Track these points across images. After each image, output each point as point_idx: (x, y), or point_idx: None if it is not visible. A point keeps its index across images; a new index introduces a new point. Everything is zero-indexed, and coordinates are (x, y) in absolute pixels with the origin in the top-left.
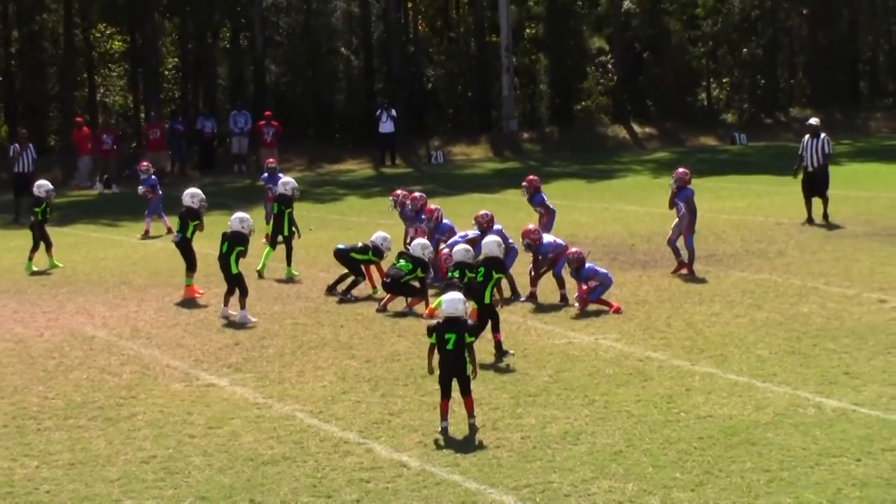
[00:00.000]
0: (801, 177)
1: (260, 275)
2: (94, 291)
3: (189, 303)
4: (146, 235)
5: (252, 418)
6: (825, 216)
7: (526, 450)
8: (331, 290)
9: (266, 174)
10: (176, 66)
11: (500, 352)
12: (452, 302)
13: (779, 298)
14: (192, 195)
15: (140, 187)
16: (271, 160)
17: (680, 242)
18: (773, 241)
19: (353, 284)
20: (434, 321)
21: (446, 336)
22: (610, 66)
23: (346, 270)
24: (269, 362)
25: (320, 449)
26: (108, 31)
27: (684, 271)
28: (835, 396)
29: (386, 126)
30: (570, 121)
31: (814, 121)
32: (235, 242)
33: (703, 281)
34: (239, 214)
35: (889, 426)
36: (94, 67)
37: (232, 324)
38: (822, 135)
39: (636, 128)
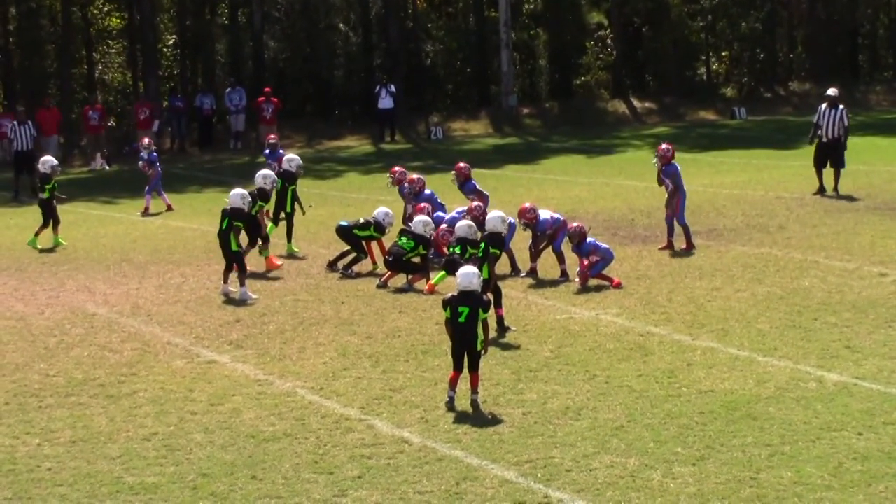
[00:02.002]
0: (815, 146)
1: (261, 251)
2: (94, 269)
3: (190, 280)
4: (146, 212)
5: (253, 395)
6: (835, 189)
7: (527, 425)
8: (331, 266)
9: (267, 150)
10: (174, 43)
11: (502, 327)
12: (467, 276)
13: (780, 273)
14: (263, 176)
15: (140, 161)
16: (272, 136)
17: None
18: (774, 215)
19: (355, 261)
20: (449, 294)
21: (460, 309)
22: (609, 40)
23: (347, 247)
24: (270, 339)
25: (321, 425)
26: (105, 8)
27: (684, 247)
28: (836, 370)
29: (385, 102)
30: (569, 96)
31: (832, 91)
32: (235, 218)
33: (703, 255)
34: (238, 191)
35: (890, 400)
36: (92, 44)
37: (232, 301)
38: (841, 106)
39: (635, 102)
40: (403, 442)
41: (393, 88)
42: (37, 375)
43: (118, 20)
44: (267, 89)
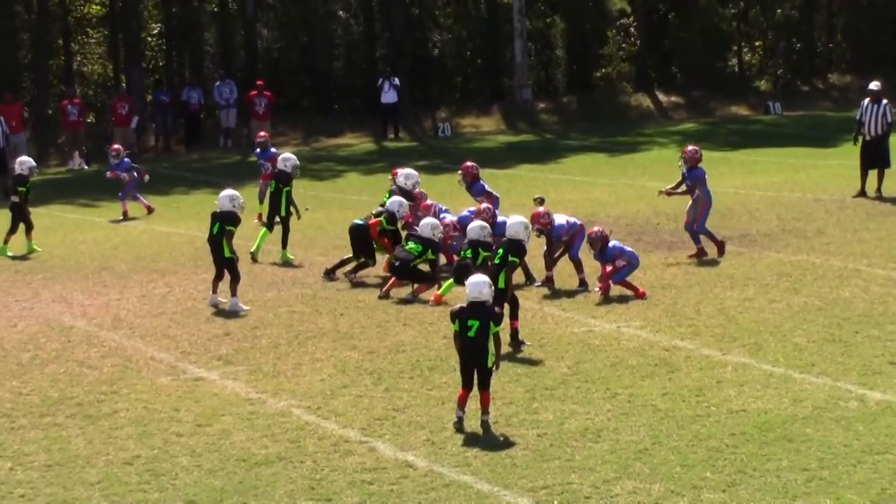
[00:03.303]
0: (859, 145)
1: (254, 258)
2: (72, 278)
3: (176, 290)
4: (125, 217)
5: (244, 415)
6: (878, 190)
7: (543, 448)
8: (329, 274)
9: (258, 149)
10: (159, 32)
11: (516, 341)
12: (477, 285)
13: (818, 281)
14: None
15: (108, 173)
16: (262, 133)
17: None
18: (812, 219)
19: (361, 267)
20: (458, 306)
21: (469, 322)
22: (632, 29)
23: (347, 255)
24: (263, 354)
25: (319, 448)
26: None
27: (708, 254)
28: (879, 388)
29: (388, 96)
30: (588, 89)
31: (875, 85)
32: (227, 222)
33: (735, 263)
34: (228, 192)
35: None
36: (70, 33)
37: (222, 312)
38: (884, 101)
39: (661, 96)
40: (408, 466)
41: (397, 81)
42: (9, 394)
43: (98, 7)
44: (259, 82)
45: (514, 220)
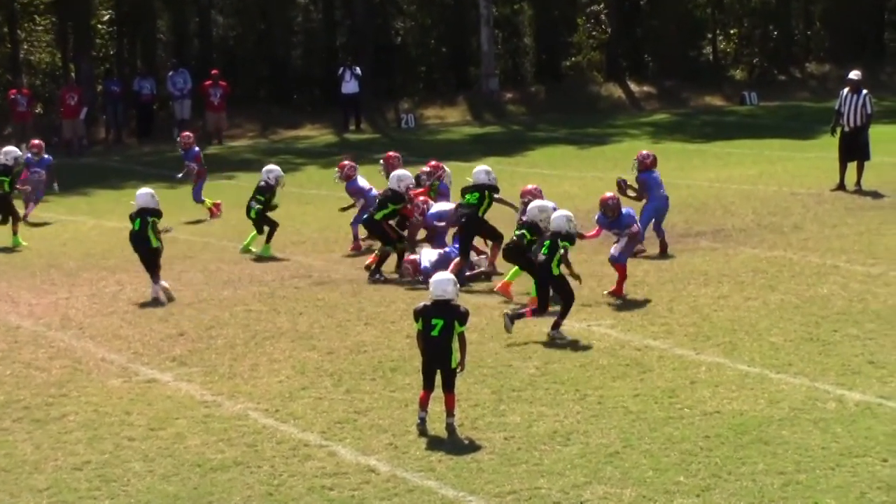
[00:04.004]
0: (838, 137)
1: (246, 250)
2: (18, 276)
3: (127, 289)
4: (25, 219)
5: (199, 418)
6: (858, 183)
7: (510, 452)
8: (373, 275)
9: (181, 150)
10: (110, 20)
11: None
12: (441, 283)
13: (795, 278)
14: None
15: (34, 172)
16: (186, 133)
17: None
18: (789, 213)
19: (381, 260)
20: (421, 304)
21: (433, 321)
22: (603, 16)
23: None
24: (219, 355)
25: (277, 452)
26: None
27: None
28: (858, 389)
29: (349, 86)
30: (557, 79)
31: (854, 74)
32: (149, 214)
33: (709, 259)
34: (147, 190)
35: None
36: (16, 20)
37: (176, 312)
38: (864, 91)
39: (632, 86)
40: (370, 471)
41: (358, 70)
42: None
43: None
44: (214, 71)
45: (558, 215)
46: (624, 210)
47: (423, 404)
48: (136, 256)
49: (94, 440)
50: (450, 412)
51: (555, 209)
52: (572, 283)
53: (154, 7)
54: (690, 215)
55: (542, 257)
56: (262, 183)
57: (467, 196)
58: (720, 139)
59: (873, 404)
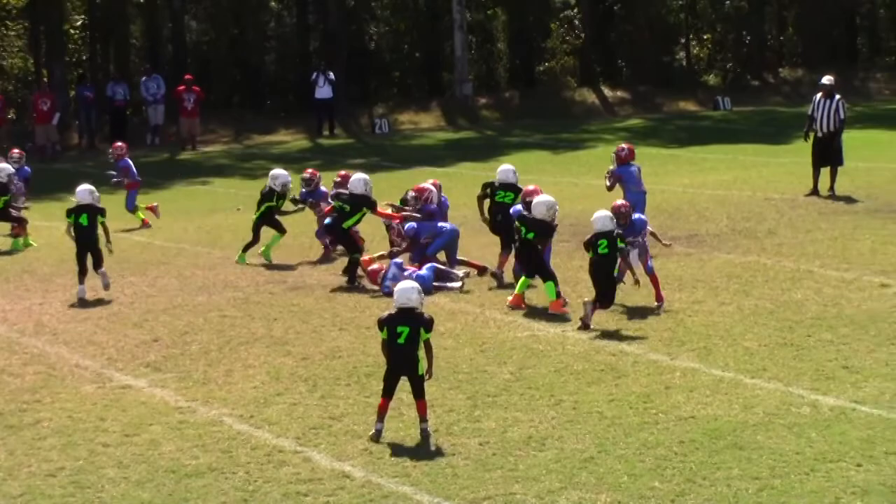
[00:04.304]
0: (811, 142)
1: (266, 258)
2: None
3: (101, 294)
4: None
5: (174, 424)
6: (831, 189)
7: (485, 457)
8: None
9: (112, 159)
10: (83, 24)
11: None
12: (405, 291)
13: (769, 283)
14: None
15: (14, 184)
16: (119, 144)
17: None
18: (763, 218)
19: (352, 267)
20: (385, 313)
21: (398, 329)
22: (576, 21)
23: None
24: (193, 360)
25: (251, 458)
26: None
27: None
28: (832, 393)
29: (323, 91)
30: (531, 84)
31: (827, 79)
32: (97, 212)
33: (683, 264)
34: (87, 186)
35: (892, 426)
36: None
37: (150, 318)
38: (837, 96)
39: (606, 92)
40: (344, 477)
41: (332, 76)
42: None
43: None
44: (188, 77)
45: (602, 216)
46: (635, 216)
47: (382, 414)
48: (109, 262)
49: (69, 446)
50: (423, 418)
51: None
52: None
53: (127, 12)
54: (664, 220)
55: (602, 254)
56: (266, 189)
57: (499, 193)
58: (694, 144)
59: (847, 409)
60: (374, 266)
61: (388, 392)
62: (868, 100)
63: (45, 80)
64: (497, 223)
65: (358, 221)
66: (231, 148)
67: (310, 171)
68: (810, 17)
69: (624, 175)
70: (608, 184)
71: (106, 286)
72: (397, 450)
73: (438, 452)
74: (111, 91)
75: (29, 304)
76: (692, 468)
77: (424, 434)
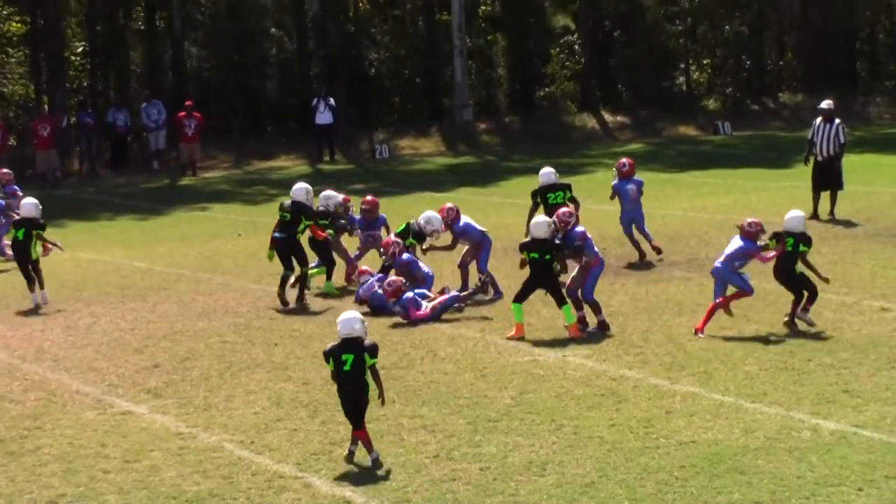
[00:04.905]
0: (811, 166)
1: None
2: None
3: (101, 320)
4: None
5: (174, 450)
6: (831, 213)
7: (486, 482)
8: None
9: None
10: (83, 51)
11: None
12: (349, 322)
13: (769, 308)
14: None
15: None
16: (4, 170)
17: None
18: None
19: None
20: (329, 345)
21: (343, 357)
22: (577, 47)
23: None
24: (194, 386)
25: (252, 484)
26: (4, 11)
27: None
28: (833, 418)
29: (323, 117)
30: (531, 109)
31: (826, 104)
32: (35, 227)
33: (684, 289)
34: (31, 200)
35: (893, 451)
36: None
37: (151, 344)
38: (837, 120)
39: (607, 116)
40: (345, 502)
41: (332, 101)
42: None
43: (19, 25)
44: (189, 103)
45: (795, 216)
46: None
47: (369, 444)
48: (110, 288)
49: (69, 473)
50: (368, 445)
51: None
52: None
53: (127, 39)
54: (665, 245)
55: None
56: (321, 208)
57: (550, 196)
58: (694, 169)
59: (848, 433)
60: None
61: (358, 424)
62: (868, 124)
63: (46, 107)
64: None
65: (303, 232)
66: (231, 173)
67: (342, 196)
68: (810, 42)
69: (620, 191)
70: (611, 194)
71: (36, 306)
72: (398, 475)
73: (439, 477)
74: (112, 117)
75: (30, 330)
76: (693, 493)
77: (350, 457)
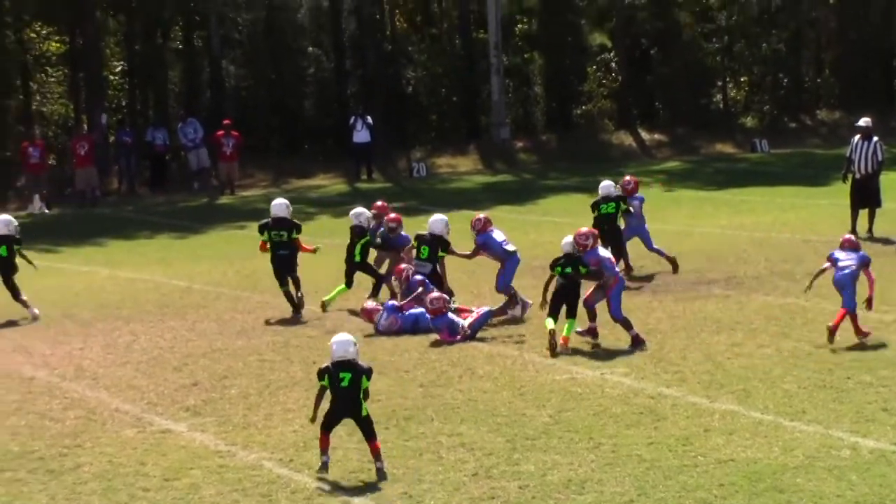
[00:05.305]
0: (849, 184)
1: (324, 307)
2: (32, 326)
3: (141, 339)
4: None
5: (214, 468)
6: (869, 230)
7: (524, 501)
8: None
9: None
10: (122, 71)
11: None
12: (342, 345)
13: (808, 325)
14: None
15: None
16: None
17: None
18: (801, 260)
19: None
20: (324, 365)
21: (341, 375)
22: (613, 64)
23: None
24: (233, 404)
25: (291, 502)
26: (44, 31)
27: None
28: (872, 436)
29: (361, 135)
30: (568, 127)
31: (864, 121)
32: (14, 242)
33: (722, 307)
34: (5, 216)
35: None
36: (28, 72)
37: (190, 363)
38: (875, 138)
39: (644, 134)
40: None
41: (370, 120)
42: None
43: (58, 45)
44: (227, 121)
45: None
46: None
47: (325, 447)
48: (149, 306)
49: (109, 491)
50: (377, 457)
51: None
52: None
53: (166, 58)
54: (703, 263)
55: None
56: (353, 225)
57: (602, 206)
58: (732, 186)
59: (888, 452)
60: (370, 305)
61: (326, 427)
62: None
63: (85, 125)
64: (602, 232)
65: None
66: (269, 192)
67: (393, 214)
68: (848, 60)
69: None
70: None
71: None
72: (437, 494)
73: (478, 496)
74: (151, 136)
75: (69, 348)
76: None
77: (380, 474)
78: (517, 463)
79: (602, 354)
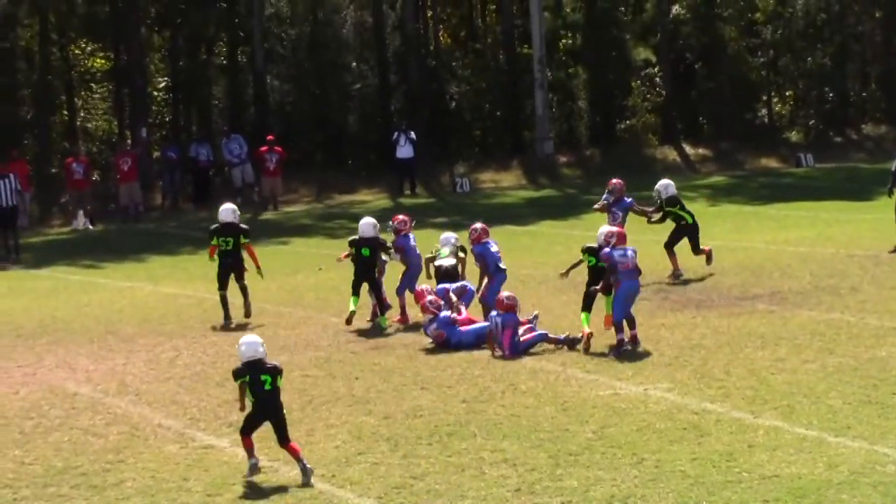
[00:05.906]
0: (895, 198)
1: (349, 321)
2: (75, 342)
3: (184, 354)
4: None
5: (256, 484)
6: None
7: None
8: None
9: None
10: (166, 86)
11: None
12: (252, 345)
13: (852, 341)
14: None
15: None
16: None
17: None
18: (846, 275)
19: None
20: (236, 367)
21: (262, 377)
22: (658, 79)
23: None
24: None
25: None
26: (88, 48)
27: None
28: None
29: (404, 150)
30: (612, 142)
31: None
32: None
33: (766, 322)
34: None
35: None
36: (73, 89)
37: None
38: None
39: (688, 149)
40: None
41: (413, 135)
42: (11, 464)
43: (103, 61)
44: (270, 137)
45: None
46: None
47: (250, 450)
48: (192, 322)
49: None
50: (297, 458)
51: None
52: None
53: (209, 74)
54: (747, 278)
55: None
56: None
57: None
58: (777, 201)
59: None
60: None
61: (249, 431)
62: None
63: (129, 141)
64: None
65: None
66: (313, 207)
67: (401, 217)
68: (894, 74)
69: (613, 211)
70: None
71: None
72: None
73: None
74: (195, 152)
75: (112, 364)
76: None
77: (306, 471)
78: (560, 479)
79: (645, 370)
